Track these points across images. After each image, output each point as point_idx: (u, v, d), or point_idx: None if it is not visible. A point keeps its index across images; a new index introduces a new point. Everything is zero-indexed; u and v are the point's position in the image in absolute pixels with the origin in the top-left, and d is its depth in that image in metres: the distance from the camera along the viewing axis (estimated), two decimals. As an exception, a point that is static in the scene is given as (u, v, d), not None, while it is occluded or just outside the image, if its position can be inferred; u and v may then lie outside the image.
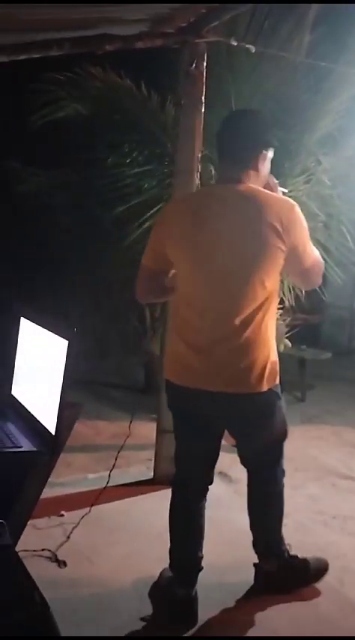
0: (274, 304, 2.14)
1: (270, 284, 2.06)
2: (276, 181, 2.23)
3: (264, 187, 2.12)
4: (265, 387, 2.09)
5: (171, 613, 2.26)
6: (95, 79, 4.18)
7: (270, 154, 2.15)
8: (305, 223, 2.09)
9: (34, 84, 4.16)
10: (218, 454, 2.31)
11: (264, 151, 2.11)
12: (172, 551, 2.33)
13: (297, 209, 2.07)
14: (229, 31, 3.28)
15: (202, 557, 2.32)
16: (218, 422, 2.23)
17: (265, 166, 2.13)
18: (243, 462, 2.38)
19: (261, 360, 2.07)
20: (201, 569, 2.31)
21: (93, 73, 4.14)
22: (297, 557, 2.49)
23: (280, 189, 2.24)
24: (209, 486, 2.34)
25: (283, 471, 2.43)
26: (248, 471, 2.40)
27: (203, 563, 2.32)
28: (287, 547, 2.48)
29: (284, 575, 2.43)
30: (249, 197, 2.05)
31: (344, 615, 2.36)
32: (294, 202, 2.10)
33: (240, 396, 2.08)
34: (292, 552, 2.50)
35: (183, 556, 2.33)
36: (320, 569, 2.52)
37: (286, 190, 2.32)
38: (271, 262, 2.02)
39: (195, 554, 2.30)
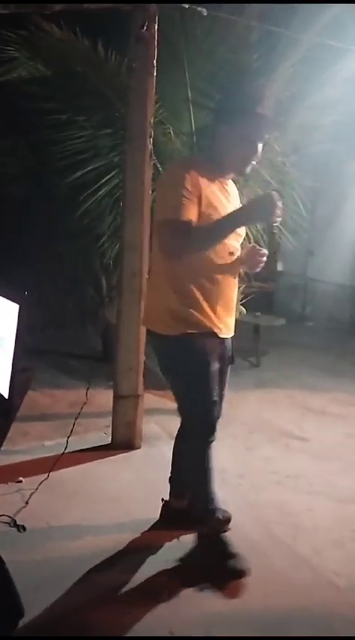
0: (177, 267, 2.19)
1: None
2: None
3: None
4: (161, 330, 2.28)
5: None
6: (50, 37, 4.03)
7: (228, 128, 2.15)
8: (172, 186, 2.10)
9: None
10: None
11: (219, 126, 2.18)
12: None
13: (167, 173, 2.22)
14: (182, -6, 3.23)
15: None
16: None
17: (224, 140, 2.17)
18: None
19: (159, 306, 2.29)
20: None
21: (48, 30, 4.00)
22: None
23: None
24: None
25: (195, 437, 2.40)
26: None
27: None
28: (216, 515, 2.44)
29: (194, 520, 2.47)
30: None
31: (296, 570, 2.46)
32: (170, 166, 2.23)
33: (149, 332, 2.42)
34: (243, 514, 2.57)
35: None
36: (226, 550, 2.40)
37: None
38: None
39: None
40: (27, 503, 2.74)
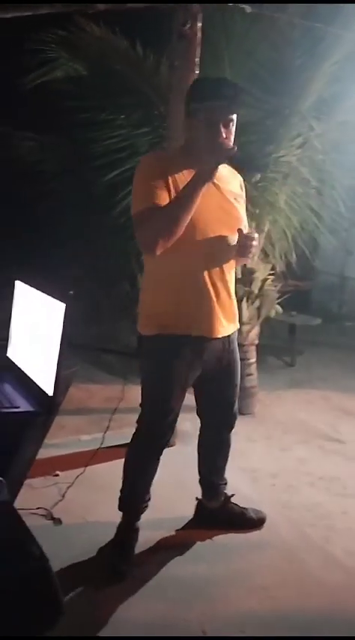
0: (153, 260, 2.19)
1: None
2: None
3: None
4: (141, 330, 2.32)
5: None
6: (90, 37, 4.07)
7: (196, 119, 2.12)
8: (140, 178, 2.11)
9: (24, 43, 4.06)
10: None
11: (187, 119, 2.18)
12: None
13: (139, 166, 2.15)
14: (224, -9, 3.23)
15: None
16: None
17: (192, 131, 2.16)
18: None
19: (142, 306, 2.33)
20: None
21: (88, 29, 4.04)
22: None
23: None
24: None
25: (143, 438, 2.41)
26: None
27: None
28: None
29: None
30: None
31: (329, 572, 2.46)
32: (141, 160, 2.17)
33: None
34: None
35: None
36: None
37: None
38: None
39: None
40: (63, 496, 2.78)
